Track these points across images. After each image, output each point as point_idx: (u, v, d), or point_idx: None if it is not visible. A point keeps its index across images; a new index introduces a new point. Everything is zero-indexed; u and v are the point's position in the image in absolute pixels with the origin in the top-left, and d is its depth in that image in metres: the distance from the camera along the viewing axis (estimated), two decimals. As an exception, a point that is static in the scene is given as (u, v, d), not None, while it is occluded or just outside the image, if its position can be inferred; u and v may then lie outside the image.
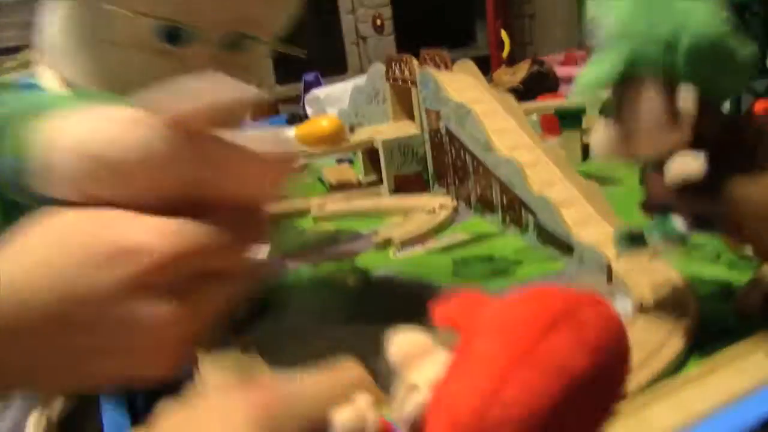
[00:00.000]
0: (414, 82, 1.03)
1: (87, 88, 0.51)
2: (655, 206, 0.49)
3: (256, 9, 0.49)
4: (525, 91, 1.47)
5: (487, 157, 0.84)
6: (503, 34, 2.69)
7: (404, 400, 0.30)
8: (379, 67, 1.17)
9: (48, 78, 0.52)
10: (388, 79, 1.13)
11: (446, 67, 1.05)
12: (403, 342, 0.31)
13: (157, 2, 0.46)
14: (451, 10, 3.34)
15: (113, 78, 0.49)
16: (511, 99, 0.94)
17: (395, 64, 1.10)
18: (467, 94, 0.93)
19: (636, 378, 0.48)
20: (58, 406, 0.58)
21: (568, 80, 2.16)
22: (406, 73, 1.06)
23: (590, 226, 0.71)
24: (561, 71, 1.91)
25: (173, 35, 0.47)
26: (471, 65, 1.03)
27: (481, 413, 0.27)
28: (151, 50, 0.47)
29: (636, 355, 0.50)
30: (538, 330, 0.28)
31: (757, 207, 0.45)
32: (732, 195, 0.46)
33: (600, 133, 0.49)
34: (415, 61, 1.05)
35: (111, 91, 0.49)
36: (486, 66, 2.53)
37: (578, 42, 3.15)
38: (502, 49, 2.70)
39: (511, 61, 2.68)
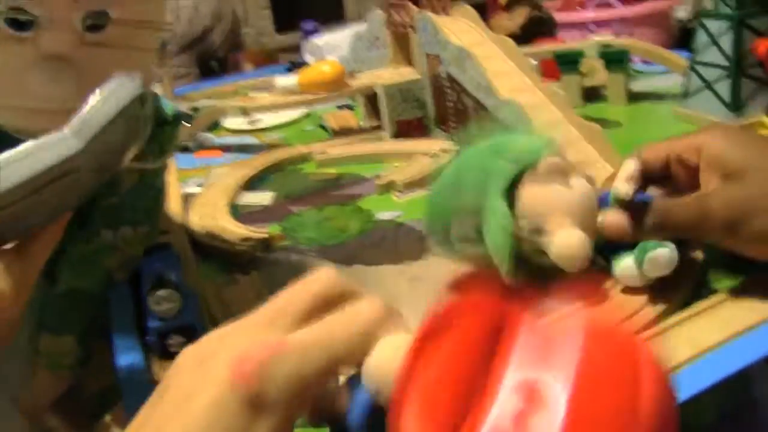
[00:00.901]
0: (413, 27, 1.04)
1: None
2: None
3: None
4: (524, 36, 1.47)
5: (488, 100, 0.85)
6: (501, -20, 2.66)
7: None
8: (378, 14, 1.17)
9: None
10: (387, 25, 1.13)
11: (445, 11, 1.05)
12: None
13: None
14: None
15: None
16: (510, 42, 0.94)
17: (395, 10, 1.10)
18: (467, 37, 0.93)
19: (646, 313, 0.49)
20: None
21: (567, 25, 2.16)
22: (406, 18, 1.06)
23: (592, 167, 0.72)
24: (559, 16, 1.90)
25: (18, 22, 0.45)
26: (469, 9, 1.03)
27: None
28: (5, 41, 0.45)
29: (643, 294, 0.51)
30: None
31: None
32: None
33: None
34: (413, 6, 1.05)
35: None
36: (483, 12, 2.51)
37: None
38: (500, -5, 2.67)
39: (508, 7, 2.66)
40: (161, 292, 0.55)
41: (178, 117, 0.68)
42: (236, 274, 0.69)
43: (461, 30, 0.95)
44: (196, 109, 1.37)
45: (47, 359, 0.58)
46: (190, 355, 0.29)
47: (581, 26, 2.32)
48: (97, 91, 0.41)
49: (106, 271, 0.62)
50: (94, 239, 0.60)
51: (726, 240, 0.48)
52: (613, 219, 0.49)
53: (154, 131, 0.63)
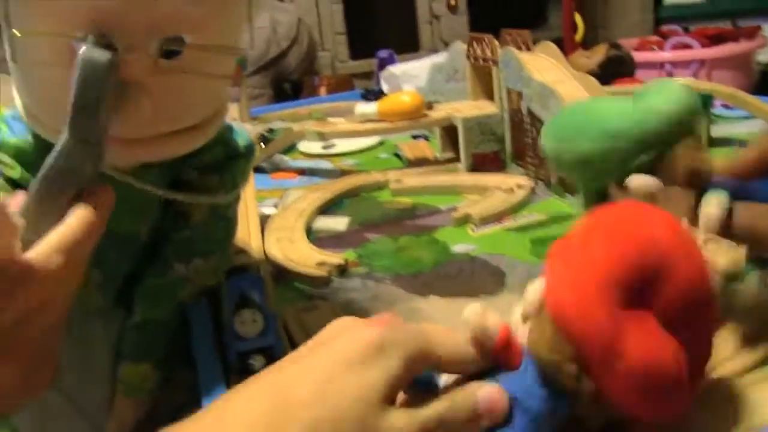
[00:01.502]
0: (495, 62, 1.04)
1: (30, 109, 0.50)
2: None
3: (173, 10, 0.46)
4: (601, 75, 1.45)
5: (570, 138, 0.85)
6: (577, 16, 2.65)
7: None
8: (459, 46, 1.18)
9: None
10: (468, 57, 1.14)
11: (527, 47, 1.05)
12: None
13: (64, 21, 0.45)
14: (524, -9, 3.32)
15: (45, 95, 0.49)
16: (592, 80, 0.94)
17: (476, 44, 1.11)
18: (549, 74, 0.93)
19: (740, 360, 0.48)
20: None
21: (644, 65, 2.14)
22: (487, 52, 1.07)
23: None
24: (636, 56, 1.89)
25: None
26: (552, 46, 1.03)
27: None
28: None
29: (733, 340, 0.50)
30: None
31: None
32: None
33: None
34: (496, 41, 1.06)
35: (44, 108, 0.49)
36: (559, 48, 2.50)
37: (652, 28, 3.10)
38: (575, 31, 2.67)
39: (584, 44, 2.65)
40: (245, 313, 0.56)
41: (251, 149, 0.69)
42: (315, 299, 0.70)
43: (544, 67, 0.95)
44: (272, 131, 1.39)
45: (126, 386, 0.59)
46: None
47: (658, 66, 2.30)
48: (75, 80, 0.43)
49: (179, 302, 0.63)
50: (167, 273, 0.61)
51: None
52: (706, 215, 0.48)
53: (226, 163, 0.64)
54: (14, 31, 0.46)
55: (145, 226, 0.59)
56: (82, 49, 0.41)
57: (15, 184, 0.53)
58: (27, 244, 0.39)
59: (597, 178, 0.55)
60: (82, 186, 0.42)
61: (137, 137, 0.49)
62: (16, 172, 0.53)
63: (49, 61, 0.47)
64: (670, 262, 0.35)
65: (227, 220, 0.67)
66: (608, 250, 0.35)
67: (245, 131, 0.70)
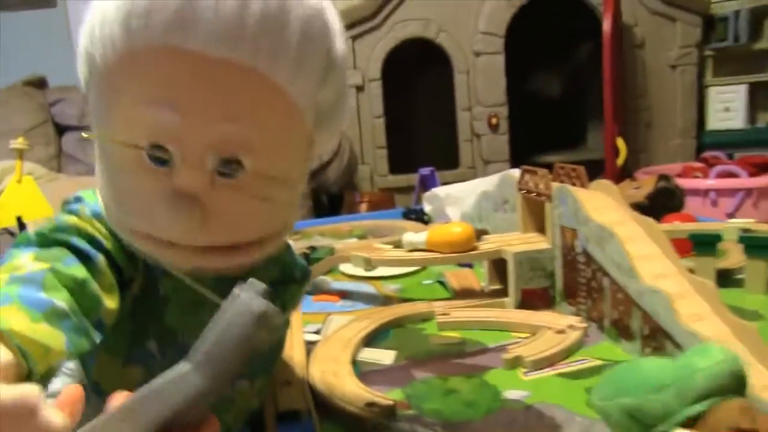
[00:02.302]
0: (548, 196, 1.03)
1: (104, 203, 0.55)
2: None
3: (232, 133, 0.49)
4: (650, 208, 1.44)
5: (630, 284, 0.82)
6: (619, 141, 2.66)
7: None
8: (509, 176, 1.17)
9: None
10: (519, 189, 1.13)
11: (581, 183, 1.04)
12: None
13: (140, 132, 0.48)
14: (565, 112, 3.35)
15: (119, 196, 0.52)
16: (651, 221, 0.92)
17: (529, 176, 1.10)
18: (607, 215, 0.92)
19: None
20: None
21: (688, 192, 2.12)
22: (541, 186, 1.05)
23: (748, 369, 0.68)
24: (680, 183, 1.88)
25: (158, 159, 0.49)
26: (609, 184, 1.02)
27: None
28: (145, 172, 0.49)
29: None
30: None
31: None
32: None
33: None
34: (549, 176, 1.05)
35: (117, 206, 0.53)
36: (598, 170, 2.51)
37: (694, 153, 3.10)
38: (617, 155, 2.67)
39: (625, 168, 2.65)
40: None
41: (306, 277, 0.68)
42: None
43: (603, 207, 0.93)
44: (314, 249, 1.39)
45: None
46: None
47: (702, 194, 2.29)
48: (219, 316, 0.39)
49: (224, 425, 0.60)
50: None
51: None
52: None
53: (279, 286, 0.63)
54: (87, 135, 0.52)
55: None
56: (243, 293, 0.39)
57: (111, 258, 0.54)
58: None
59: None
60: (184, 420, 0.39)
61: (187, 245, 0.51)
62: (110, 243, 0.55)
63: (125, 167, 0.50)
64: None
65: (273, 345, 0.66)
66: None
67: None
